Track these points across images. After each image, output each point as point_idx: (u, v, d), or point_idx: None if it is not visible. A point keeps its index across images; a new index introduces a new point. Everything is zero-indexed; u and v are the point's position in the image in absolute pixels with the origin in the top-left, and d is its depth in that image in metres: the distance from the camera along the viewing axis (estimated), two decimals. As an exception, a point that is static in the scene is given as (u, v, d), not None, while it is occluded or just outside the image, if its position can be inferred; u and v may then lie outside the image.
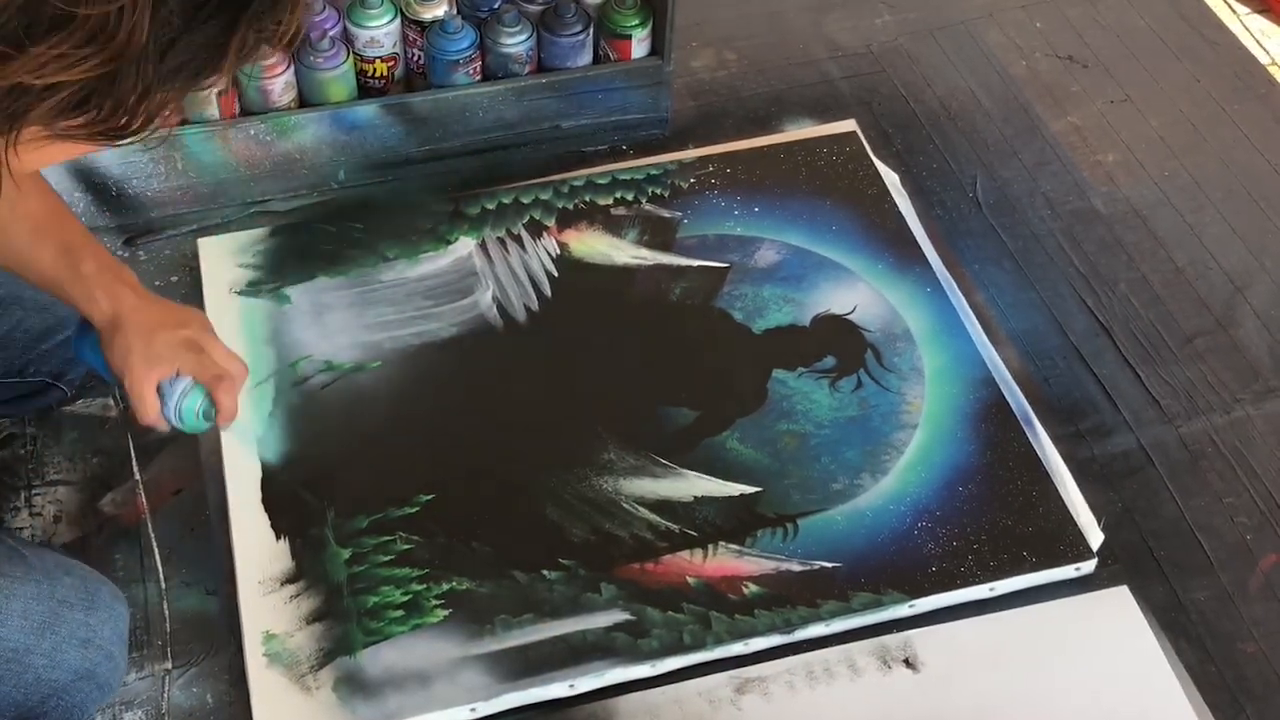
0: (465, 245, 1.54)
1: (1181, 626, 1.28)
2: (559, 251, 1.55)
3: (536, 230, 1.56)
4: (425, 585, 1.25)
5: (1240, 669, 1.26)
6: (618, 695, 1.21)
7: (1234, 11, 2.01)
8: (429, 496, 1.32)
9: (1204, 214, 1.66)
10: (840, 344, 1.47)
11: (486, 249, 1.54)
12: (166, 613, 1.25)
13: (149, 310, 1.17)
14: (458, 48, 1.58)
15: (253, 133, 1.55)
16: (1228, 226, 1.65)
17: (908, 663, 1.24)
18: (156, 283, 1.52)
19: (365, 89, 1.60)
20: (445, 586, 1.25)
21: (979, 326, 1.49)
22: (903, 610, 1.26)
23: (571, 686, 1.20)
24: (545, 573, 1.27)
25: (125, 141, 0.68)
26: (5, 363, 1.30)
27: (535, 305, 1.49)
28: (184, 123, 1.52)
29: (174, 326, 1.17)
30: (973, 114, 1.77)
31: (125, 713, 1.19)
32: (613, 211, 1.59)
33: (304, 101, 1.58)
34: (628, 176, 1.63)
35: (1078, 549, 1.30)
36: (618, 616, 1.24)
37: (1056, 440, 1.39)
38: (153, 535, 1.30)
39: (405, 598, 1.24)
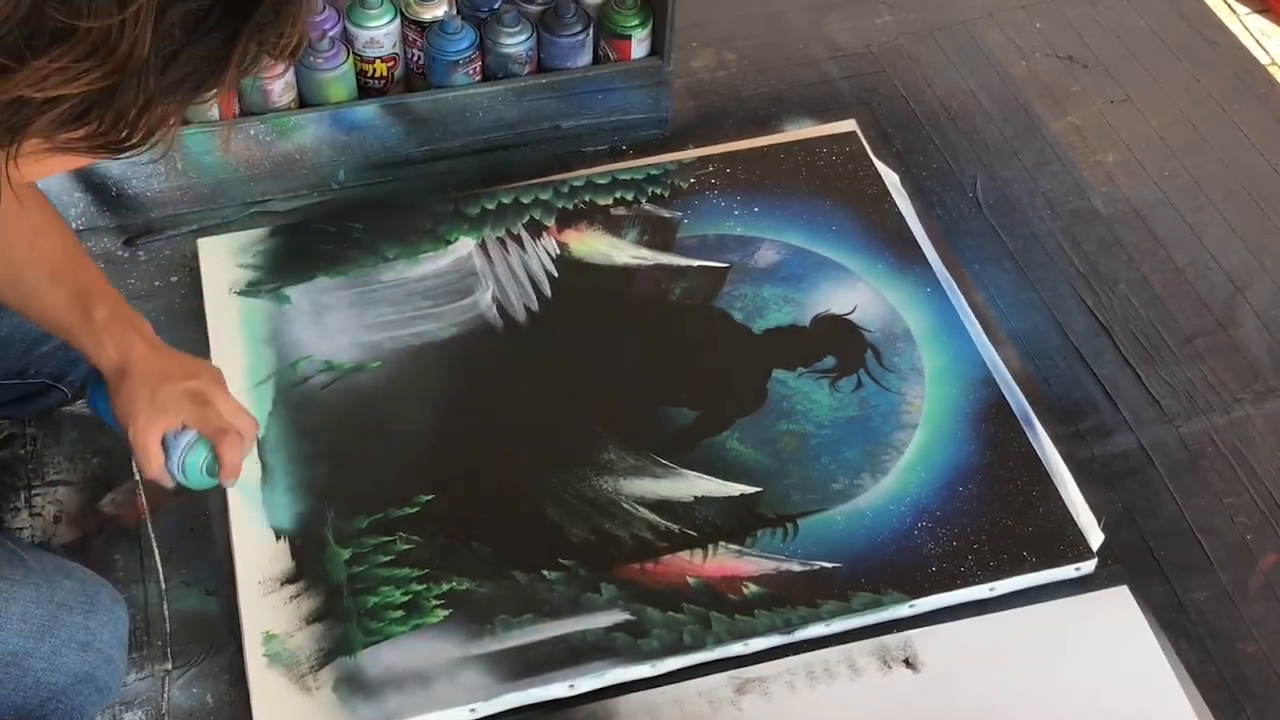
0: (465, 245, 1.54)
1: (1181, 626, 1.28)
2: (559, 251, 1.55)
3: (536, 230, 1.56)
4: (425, 585, 1.25)
5: (1240, 669, 1.26)
6: (618, 695, 1.21)
7: (1234, 11, 2.01)
8: (429, 496, 1.32)
9: (1204, 214, 1.66)
10: (840, 344, 1.47)
11: (486, 249, 1.54)
12: (166, 613, 1.25)
13: (157, 360, 1.14)
14: (458, 48, 1.58)
15: (253, 133, 1.55)
16: (1228, 226, 1.65)
17: (908, 663, 1.24)
18: (156, 283, 1.52)
19: (365, 89, 1.60)
20: (445, 586, 1.25)
21: (979, 326, 1.49)
22: (903, 610, 1.26)
23: (571, 687, 1.20)
24: (545, 573, 1.27)
25: (126, 155, 0.68)
26: (5, 364, 1.30)
27: (535, 305, 1.49)
28: (184, 123, 1.52)
29: (181, 377, 1.13)
30: (973, 114, 1.77)
31: (125, 713, 1.19)
32: (613, 211, 1.59)
33: (304, 102, 1.58)
34: (628, 176, 1.63)
35: (1078, 549, 1.30)
36: (618, 617, 1.24)
37: (1056, 440, 1.39)
38: (153, 535, 1.30)
39: (405, 598, 1.24)
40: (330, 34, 1.56)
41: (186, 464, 1.14)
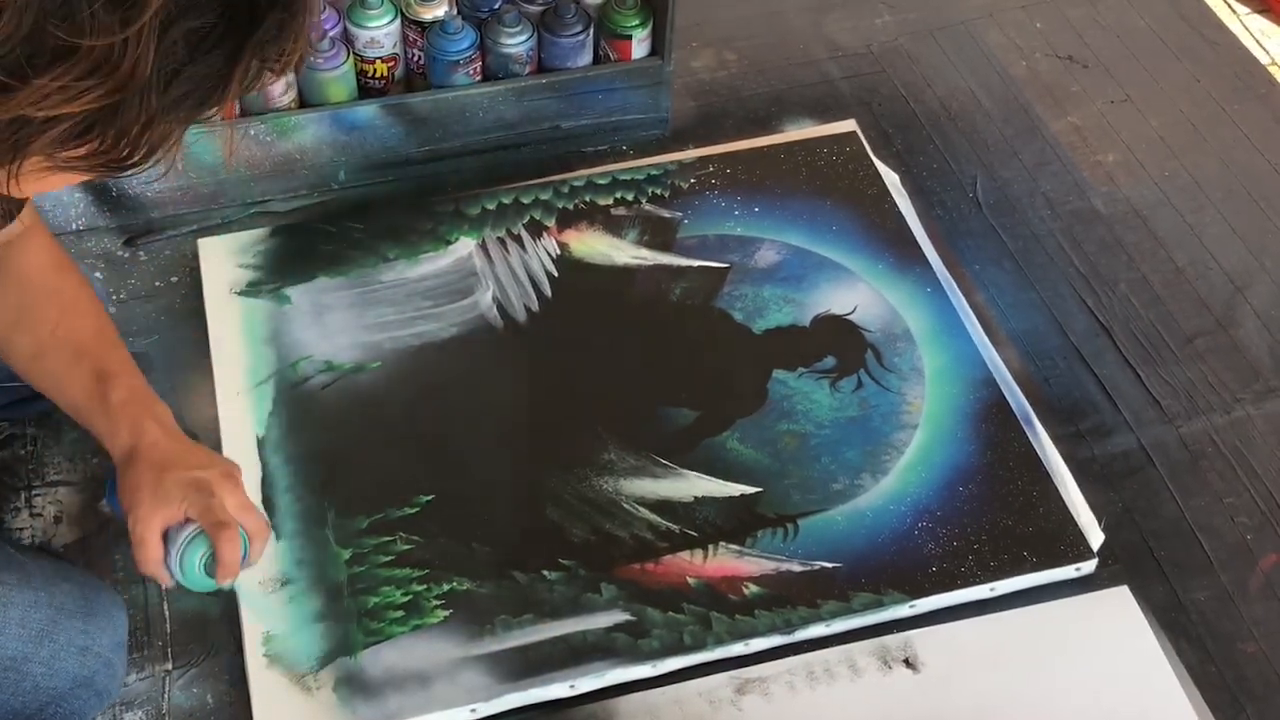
0: (465, 245, 1.54)
1: (1182, 626, 1.28)
2: (559, 252, 1.55)
3: (537, 230, 1.56)
4: (425, 586, 1.25)
5: (1240, 669, 1.26)
6: (618, 696, 1.21)
7: (1234, 11, 2.01)
8: (429, 497, 1.32)
9: (1204, 214, 1.66)
10: (840, 344, 1.47)
11: (487, 249, 1.54)
12: (166, 613, 1.25)
13: (168, 447, 1.08)
14: (458, 48, 1.58)
15: (253, 133, 1.55)
16: (1228, 226, 1.65)
17: (908, 663, 1.24)
18: (157, 283, 1.52)
19: (365, 89, 1.60)
20: (445, 587, 1.25)
21: (979, 326, 1.49)
22: (903, 610, 1.26)
23: (572, 687, 1.20)
24: (545, 573, 1.27)
25: (128, 173, 0.68)
26: (6, 367, 1.30)
27: (535, 305, 1.49)
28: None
29: (190, 466, 1.07)
30: (973, 114, 1.77)
31: (125, 713, 1.19)
32: (613, 212, 1.59)
33: (304, 102, 1.58)
34: (628, 176, 1.63)
35: (1078, 549, 1.30)
36: (618, 617, 1.24)
37: (1057, 440, 1.39)
38: (153, 536, 1.30)
39: (405, 598, 1.24)
40: (330, 34, 1.56)
41: (184, 560, 1.06)
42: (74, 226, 1.55)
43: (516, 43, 1.59)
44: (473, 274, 1.52)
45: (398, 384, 1.41)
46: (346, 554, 1.27)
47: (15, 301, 1.12)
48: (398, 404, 1.40)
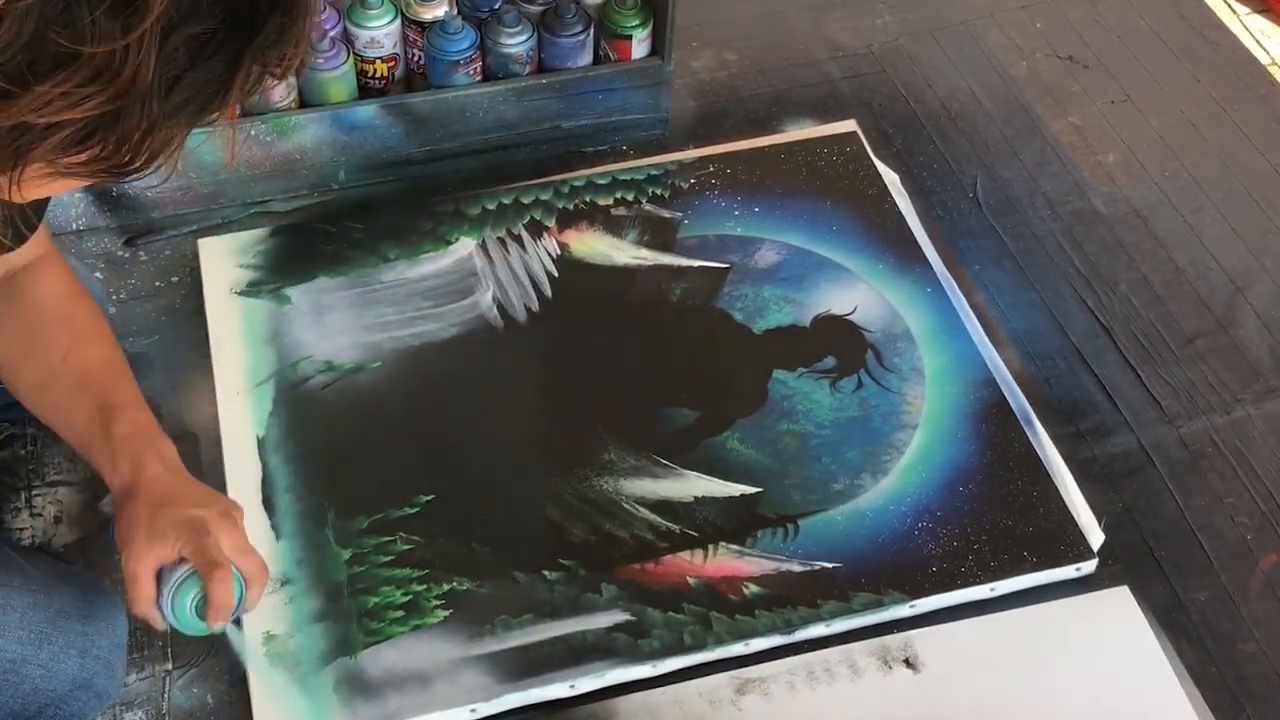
0: (465, 245, 1.54)
1: (1182, 626, 1.28)
2: (559, 252, 1.55)
3: (537, 230, 1.56)
4: (425, 586, 1.25)
5: (1240, 669, 1.26)
6: (618, 695, 1.21)
7: (1234, 11, 2.01)
8: (429, 497, 1.32)
9: (1204, 214, 1.66)
10: (840, 344, 1.47)
11: (487, 249, 1.54)
12: (167, 613, 1.25)
13: (168, 483, 1.04)
14: (458, 48, 1.58)
15: (253, 133, 1.55)
16: (1228, 226, 1.65)
17: (908, 663, 1.24)
18: (157, 283, 1.52)
19: (365, 89, 1.60)
20: (445, 587, 1.25)
21: (979, 327, 1.49)
22: (903, 610, 1.26)
23: (572, 687, 1.20)
24: (545, 573, 1.27)
25: (130, 179, 0.68)
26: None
27: (535, 305, 1.49)
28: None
29: (188, 504, 1.03)
30: (973, 114, 1.77)
31: (126, 713, 1.19)
32: (613, 212, 1.59)
33: (304, 102, 1.58)
34: (628, 177, 1.63)
35: (1078, 549, 1.30)
36: (618, 617, 1.24)
37: (1057, 440, 1.39)
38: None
39: (405, 598, 1.24)
40: (331, 34, 1.56)
41: (175, 601, 1.01)
42: (74, 226, 1.55)
43: (516, 43, 1.59)
44: (473, 274, 1.52)
45: (398, 384, 1.41)
46: (346, 554, 1.27)
47: (26, 329, 1.10)
48: (398, 404, 1.40)
